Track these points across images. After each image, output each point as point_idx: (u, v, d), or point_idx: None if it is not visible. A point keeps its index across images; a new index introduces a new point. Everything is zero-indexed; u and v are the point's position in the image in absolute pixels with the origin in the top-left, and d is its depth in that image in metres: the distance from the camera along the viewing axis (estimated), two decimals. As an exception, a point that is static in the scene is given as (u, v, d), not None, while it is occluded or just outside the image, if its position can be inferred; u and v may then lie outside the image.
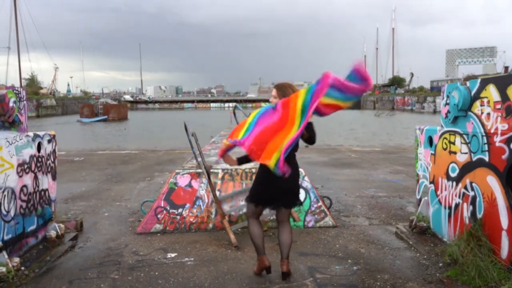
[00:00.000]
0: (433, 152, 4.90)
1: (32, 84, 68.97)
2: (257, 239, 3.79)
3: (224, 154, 3.70)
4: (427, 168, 5.08)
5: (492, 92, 3.77)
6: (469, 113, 4.12)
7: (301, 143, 3.68)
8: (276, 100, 3.61)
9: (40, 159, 4.81)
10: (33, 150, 4.65)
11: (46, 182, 4.96)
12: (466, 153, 4.17)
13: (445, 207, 4.60)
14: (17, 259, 4.04)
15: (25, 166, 4.46)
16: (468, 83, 4.18)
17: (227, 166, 5.69)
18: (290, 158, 3.54)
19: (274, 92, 3.71)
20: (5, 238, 4.02)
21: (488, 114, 3.81)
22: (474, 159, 4.02)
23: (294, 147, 3.49)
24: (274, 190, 3.65)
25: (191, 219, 5.39)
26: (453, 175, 4.41)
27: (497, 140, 3.66)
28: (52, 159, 5.16)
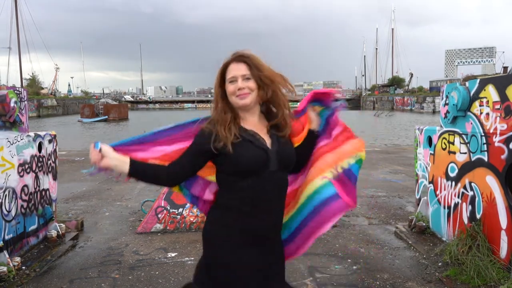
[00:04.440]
0: (432, 152, 4.91)
1: (33, 84, 68.96)
2: None
3: None
4: (426, 168, 5.10)
5: (491, 92, 3.78)
6: (468, 113, 4.14)
7: None
8: (247, 85, 1.87)
9: (41, 159, 4.82)
10: (34, 150, 4.67)
11: (47, 182, 4.98)
12: (465, 153, 4.18)
13: (444, 207, 4.61)
14: (18, 259, 4.06)
15: (26, 166, 4.47)
16: (467, 83, 4.20)
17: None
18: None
19: (243, 68, 1.87)
20: (6, 237, 4.04)
21: (487, 114, 3.82)
22: (473, 159, 4.04)
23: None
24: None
25: (192, 219, 5.41)
26: (452, 175, 4.43)
27: (496, 140, 3.67)
28: (53, 159, 5.18)
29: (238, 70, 1.87)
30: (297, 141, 2.04)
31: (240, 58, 1.89)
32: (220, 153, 1.84)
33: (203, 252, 1.97)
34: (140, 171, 1.89)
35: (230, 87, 1.88)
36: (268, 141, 1.89)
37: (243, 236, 1.86)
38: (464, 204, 4.20)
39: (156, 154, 1.98)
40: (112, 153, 1.86)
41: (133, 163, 1.87)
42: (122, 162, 1.86)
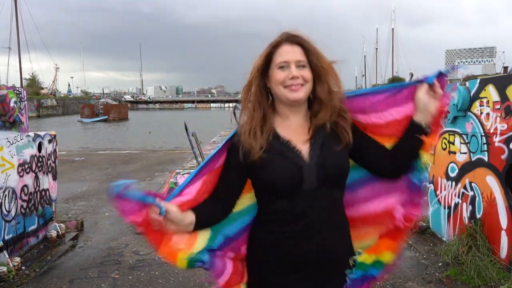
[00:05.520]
0: (432, 152, 4.91)
1: (33, 84, 68.99)
2: None
3: None
4: (426, 168, 5.09)
5: (491, 92, 3.78)
6: (469, 113, 4.13)
7: None
8: (302, 74, 1.44)
9: (40, 159, 4.82)
10: (33, 150, 4.66)
11: (46, 182, 4.98)
12: (465, 153, 4.18)
13: (444, 207, 4.61)
14: (18, 259, 4.06)
15: (26, 166, 4.47)
16: (467, 83, 4.20)
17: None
18: None
19: (299, 52, 1.46)
20: (6, 237, 4.04)
21: (488, 114, 3.82)
22: (473, 159, 4.03)
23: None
24: None
25: (191, 219, 5.40)
26: (452, 175, 4.42)
27: (496, 140, 3.67)
28: (53, 159, 5.18)
29: (292, 53, 1.44)
30: (387, 138, 1.57)
31: (295, 38, 1.46)
32: (249, 166, 1.47)
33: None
34: (204, 223, 1.52)
35: (279, 74, 1.44)
36: (305, 151, 1.45)
37: (280, 261, 1.48)
38: (464, 204, 4.19)
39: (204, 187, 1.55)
40: (179, 218, 1.43)
41: (197, 223, 1.48)
42: (187, 225, 1.46)
